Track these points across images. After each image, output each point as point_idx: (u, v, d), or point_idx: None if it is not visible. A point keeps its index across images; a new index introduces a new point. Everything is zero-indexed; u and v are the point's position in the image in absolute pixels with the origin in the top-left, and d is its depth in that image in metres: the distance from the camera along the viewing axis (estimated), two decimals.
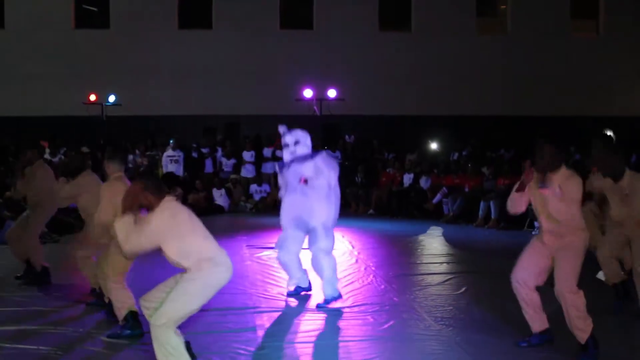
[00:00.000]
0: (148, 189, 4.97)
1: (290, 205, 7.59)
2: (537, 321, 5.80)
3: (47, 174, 8.58)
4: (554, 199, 5.54)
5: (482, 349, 5.74)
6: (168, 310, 4.83)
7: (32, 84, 20.39)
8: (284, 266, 7.78)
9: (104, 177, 7.35)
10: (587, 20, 23.41)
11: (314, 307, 7.16)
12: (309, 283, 7.85)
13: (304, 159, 7.47)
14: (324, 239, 7.38)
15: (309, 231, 7.50)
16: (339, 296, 7.37)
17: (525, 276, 5.74)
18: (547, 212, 5.64)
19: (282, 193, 7.84)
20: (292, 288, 7.82)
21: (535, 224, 11.32)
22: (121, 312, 6.17)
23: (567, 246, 5.55)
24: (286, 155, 7.64)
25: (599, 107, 21.84)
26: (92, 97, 20.25)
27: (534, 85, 21.92)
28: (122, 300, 6.20)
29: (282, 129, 7.81)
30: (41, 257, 8.41)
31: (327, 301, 7.27)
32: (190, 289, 4.88)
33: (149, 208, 4.98)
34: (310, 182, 7.42)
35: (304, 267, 7.79)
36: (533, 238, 5.95)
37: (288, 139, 7.61)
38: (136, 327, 6.11)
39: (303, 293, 7.78)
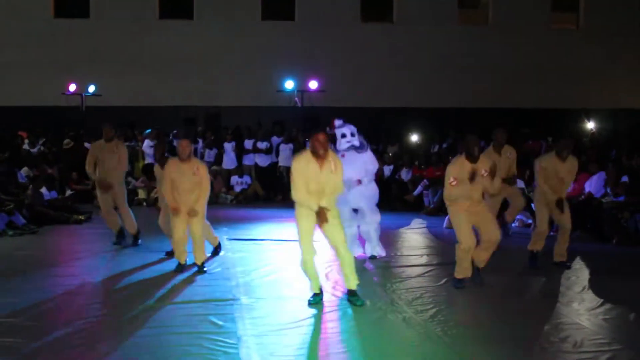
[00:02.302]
0: None
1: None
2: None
3: None
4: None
5: (461, 340, 5.76)
6: None
7: (11, 73, 20.19)
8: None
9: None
10: (567, 13, 23.57)
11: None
12: None
13: (359, 148, 8.98)
14: (375, 215, 9.34)
15: (359, 210, 9.29)
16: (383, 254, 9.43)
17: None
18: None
19: None
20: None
21: (518, 216, 11.68)
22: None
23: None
24: (343, 145, 8.95)
25: (578, 99, 21.99)
26: (72, 87, 20.05)
27: (514, 77, 22.05)
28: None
29: (338, 122, 9.14)
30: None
31: (374, 256, 9.33)
32: None
33: None
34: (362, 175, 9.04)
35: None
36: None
37: (346, 130, 8.97)
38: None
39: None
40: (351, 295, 6.88)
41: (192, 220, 8.28)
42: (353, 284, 6.87)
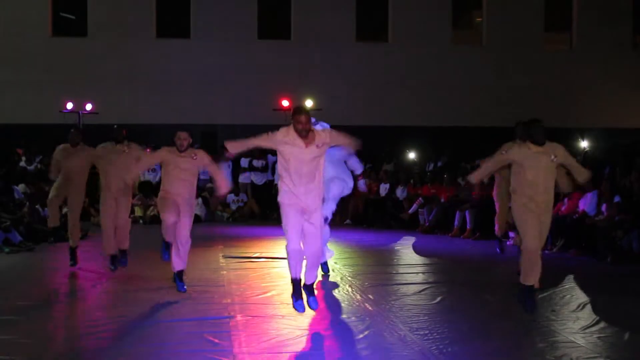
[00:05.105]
0: None
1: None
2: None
3: None
4: None
5: (457, 358, 5.77)
6: None
7: (8, 91, 20.25)
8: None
9: None
10: (560, 33, 23.77)
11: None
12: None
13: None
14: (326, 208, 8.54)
15: None
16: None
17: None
18: None
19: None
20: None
21: (510, 234, 11.02)
22: None
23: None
24: None
25: (571, 118, 22.08)
26: (69, 105, 20.09)
27: (508, 96, 22.15)
28: None
29: (312, 119, 8.53)
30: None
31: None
32: None
33: None
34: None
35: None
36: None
37: (319, 128, 8.43)
38: None
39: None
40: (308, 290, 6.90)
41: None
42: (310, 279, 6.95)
